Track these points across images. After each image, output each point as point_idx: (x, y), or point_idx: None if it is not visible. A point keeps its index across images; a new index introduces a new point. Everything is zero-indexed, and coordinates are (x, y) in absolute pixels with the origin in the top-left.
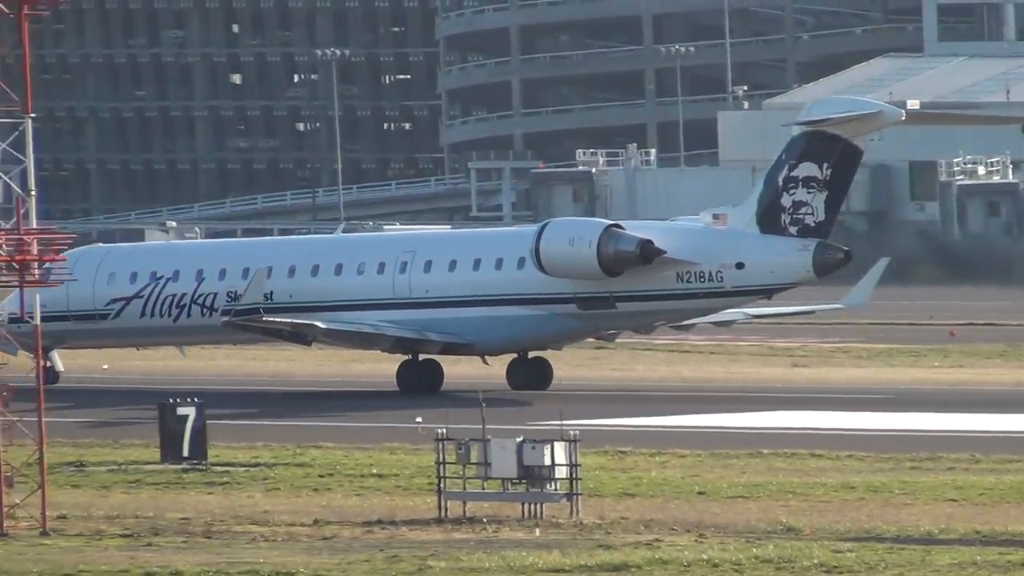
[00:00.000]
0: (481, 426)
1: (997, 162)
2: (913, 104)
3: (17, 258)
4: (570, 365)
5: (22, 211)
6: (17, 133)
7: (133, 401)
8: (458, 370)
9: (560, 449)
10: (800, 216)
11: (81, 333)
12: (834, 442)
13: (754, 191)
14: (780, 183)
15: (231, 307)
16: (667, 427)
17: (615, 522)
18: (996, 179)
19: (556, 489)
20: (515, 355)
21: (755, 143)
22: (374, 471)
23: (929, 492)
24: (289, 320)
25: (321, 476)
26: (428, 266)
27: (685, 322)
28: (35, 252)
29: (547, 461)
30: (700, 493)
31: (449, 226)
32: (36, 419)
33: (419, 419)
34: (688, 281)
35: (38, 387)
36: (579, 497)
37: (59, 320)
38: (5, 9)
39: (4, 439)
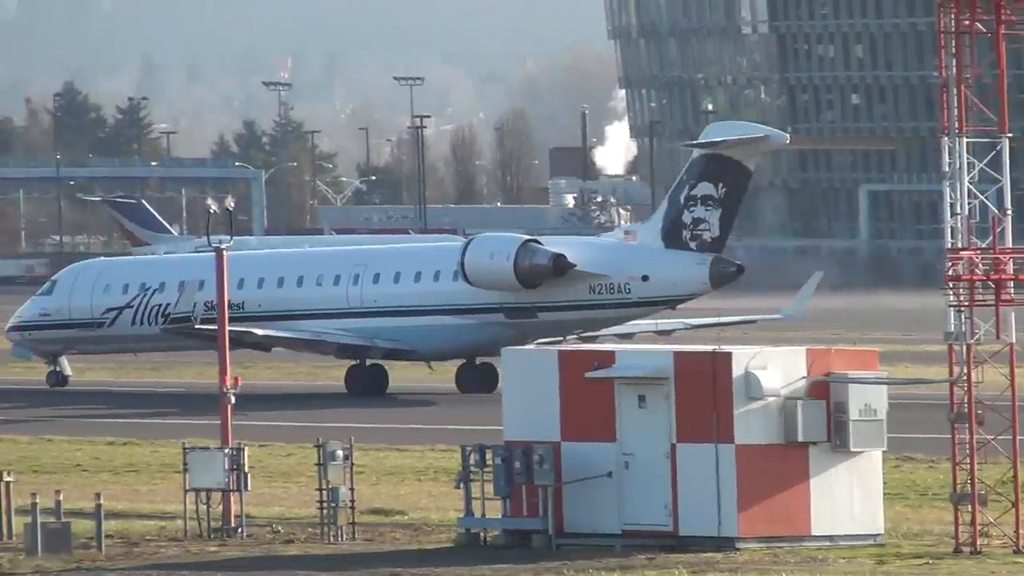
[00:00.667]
0: None
1: None
2: None
3: (992, 276)
4: None
5: (997, 230)
6: (994, 153)
7: None
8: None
9: None
10: (699, 232)
11: (83, 340)
12: None
13: (660, 209)
14: (682, 201)
15: (208, 317)
16: None
17: None
18: None
19: None
20: (463, 361)
21: None
22: None
23: None
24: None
25: None
26: (376, 278)
27: (625, 331)
28: (1010, 271)
29: None
30: None
31: None
32: (1010, 437)
33: None
34: (599, 292)
35: (1012, 405)
36: None
37: (63, 328)
38: (983, 28)
39: (979, 457)
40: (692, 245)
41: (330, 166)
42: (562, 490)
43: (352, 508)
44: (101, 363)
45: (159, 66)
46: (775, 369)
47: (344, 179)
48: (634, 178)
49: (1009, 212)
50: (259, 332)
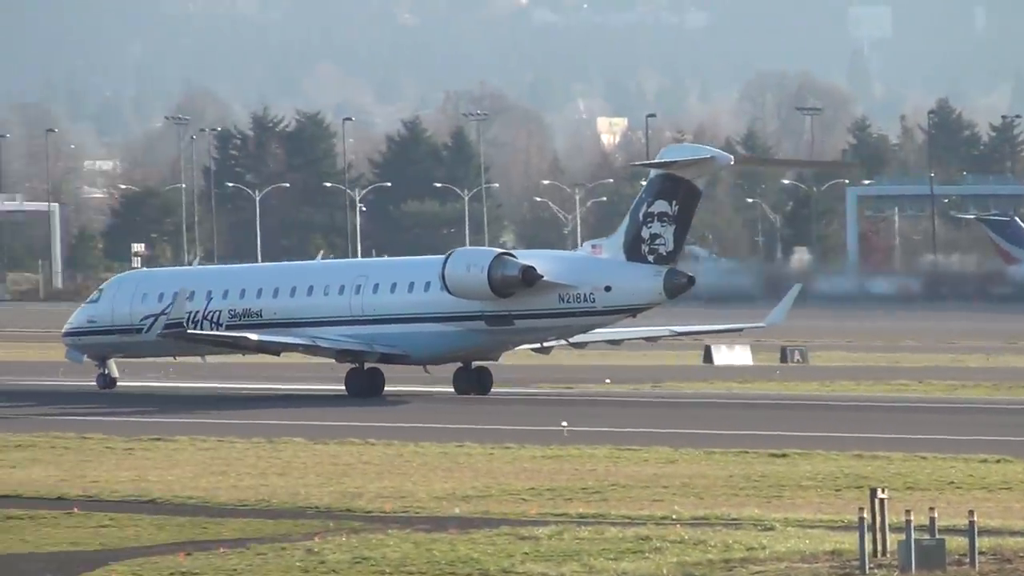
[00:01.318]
0: None
1: None
2: None
3: None
4: None
5: None
6: None
7: None
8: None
9: None
10: (656, 246)
11: (124, 345)
12: None
13: (623, 224)
14: (640, 218)
15: (235, 324)
16: None
17: None
18: None
19: None
20: (460, 364)
21: None
22: None
23: None
24: (219, 334)
25: None
26: (376, 288)
27: (615, 337)
28: None
29: None
30: None
31: None
32: None
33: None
34: (568, 301)
35: None
36: None
37: (107, 334)
38: None
39: None
40: (650, 258)
41: None
42: None
43: None
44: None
45: None
46: None
47: None
48: None
49: None
50: (253, 337)
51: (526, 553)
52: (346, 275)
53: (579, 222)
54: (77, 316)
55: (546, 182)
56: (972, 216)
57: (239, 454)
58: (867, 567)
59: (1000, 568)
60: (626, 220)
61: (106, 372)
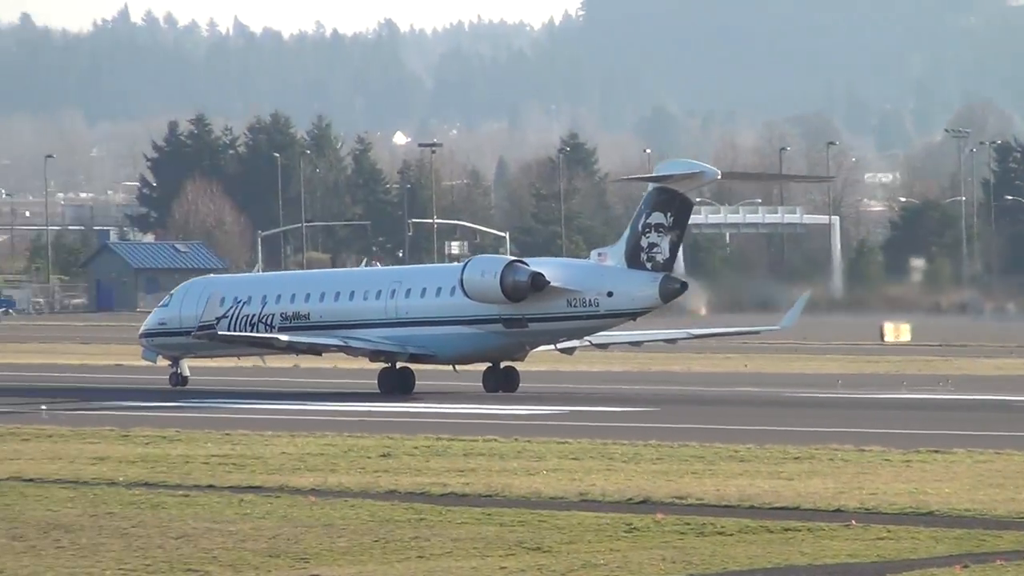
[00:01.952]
0: None
1: None
2: None
3: None
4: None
5: None
6: None
7: None
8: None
9: None
10: (653, 255)
11: (193, 346)
12: None
13: (625, 234)
14: (640, 228)
15: (287, 326)
16: None
17: None
18: None
19: None
20: (489, 364)
21: None
22: None
23: None
24: (249, 335)
25: None
26: (408, 293)
27: (636, 339)
28: None
29: None
30: None
31: None
32: None
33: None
34: (575, 306)
35: None
36: None
37: (176, 335)
38: None
39: None
40: (648, 266)
41: None
42: None
43: None
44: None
45: None
46: None
47: None
48: None
49: None
50: (283, 338)
51: None
52: (383, 281)
53: None
54: (151, 319)
55: None
56: None
57: (1018, 467)
58: None
59: None
60: (627, 230)
61: (178, 371)
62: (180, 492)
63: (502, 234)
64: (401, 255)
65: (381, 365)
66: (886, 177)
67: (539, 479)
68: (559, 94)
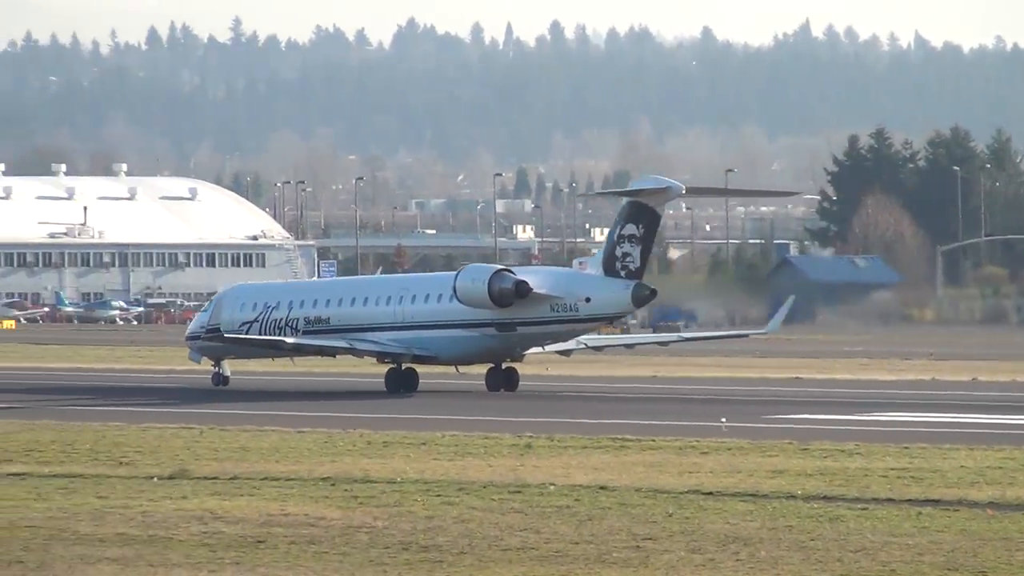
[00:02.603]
0: None
1: None
2: None
3: None
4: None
5: None
6: None
7: None
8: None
9: None
10: (627, 263)
11: (232, 348)
12: None
13: (603, 244)
14: (615, 239)
15: (310, 329)
16: None
17: None
18: None
19: None
20: (491, 366)
21: None
22: None
23: None
24: (255, 337)
25: None
26: (413, 299)
27: (629, 342)
28: None
29: None
30: None
31: None
32: None
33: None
34: (557, 311)
35: None
36: None
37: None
38: None
39: None
40: (622, 273)
41: None
42: None
43: None
44: None
45: None
46: None
47: None
48: None
49: None
50: (289, 340)
51: None
52: (393, 288)
53: None
54: (194, 323)
55: None
56: None
57: None
58: None
59: None
60: (605, 241)
61: (220, 371)
62: (859, 505)
63: None
64: None
65: (388, 366)
66: None
67: None
68: None
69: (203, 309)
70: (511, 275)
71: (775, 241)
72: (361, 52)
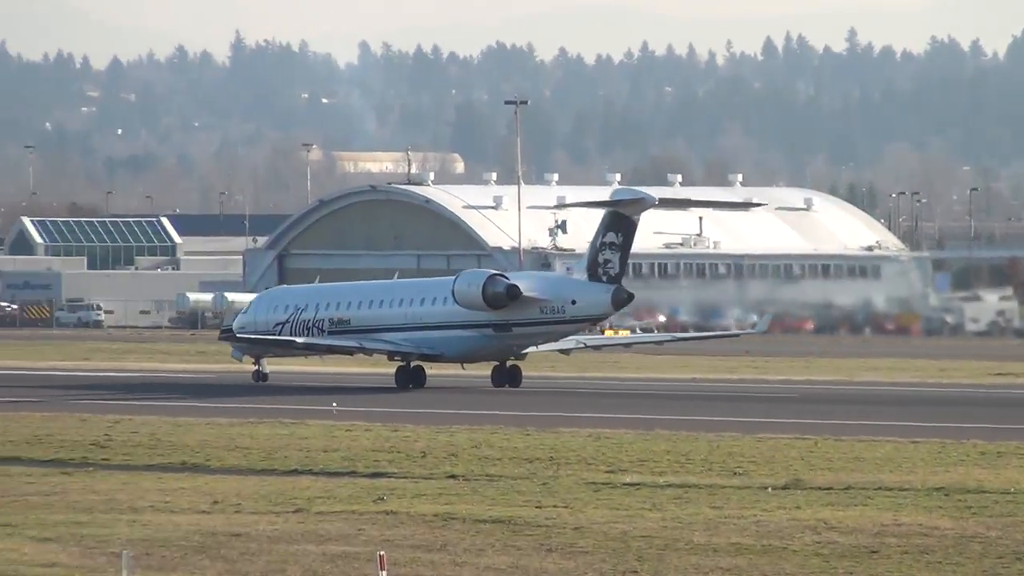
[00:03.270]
0: None
1: None
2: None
3: None
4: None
5: None
6: None
7: None
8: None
9: None
10: (608, 269)
11: (269, 348)
12: None
13: (588, 251)
14: (597, 246)
15: (335, 330)
16: None
17: None
18: None
19: None
20: (496, 363)
21: None
22: None
23: None
24: (268, 337)
25: None
26: (422, 302)
27: (627, 342)
28: None
29: None
30: None
31: None
32: None
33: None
34: (546, 312)
35: None
36: None
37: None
38: None
39: None
40: (604, 278)
41: None
42: None
43: None
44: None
45: None
46: None
47: None
48: None
49: None
50: (300, 340)
51: None
52: (406, 291)
53: None
54: (235, 323)
55: None
56: None
57: None
58: None
59: None
60: (589, 248)
61: (260, 369)
62: None
63: None
64: None
65: (398, 363)
66: None
67: None
68: None
69: (242, 311)
70: (504, 279)
71: None
72: (976, 62)
